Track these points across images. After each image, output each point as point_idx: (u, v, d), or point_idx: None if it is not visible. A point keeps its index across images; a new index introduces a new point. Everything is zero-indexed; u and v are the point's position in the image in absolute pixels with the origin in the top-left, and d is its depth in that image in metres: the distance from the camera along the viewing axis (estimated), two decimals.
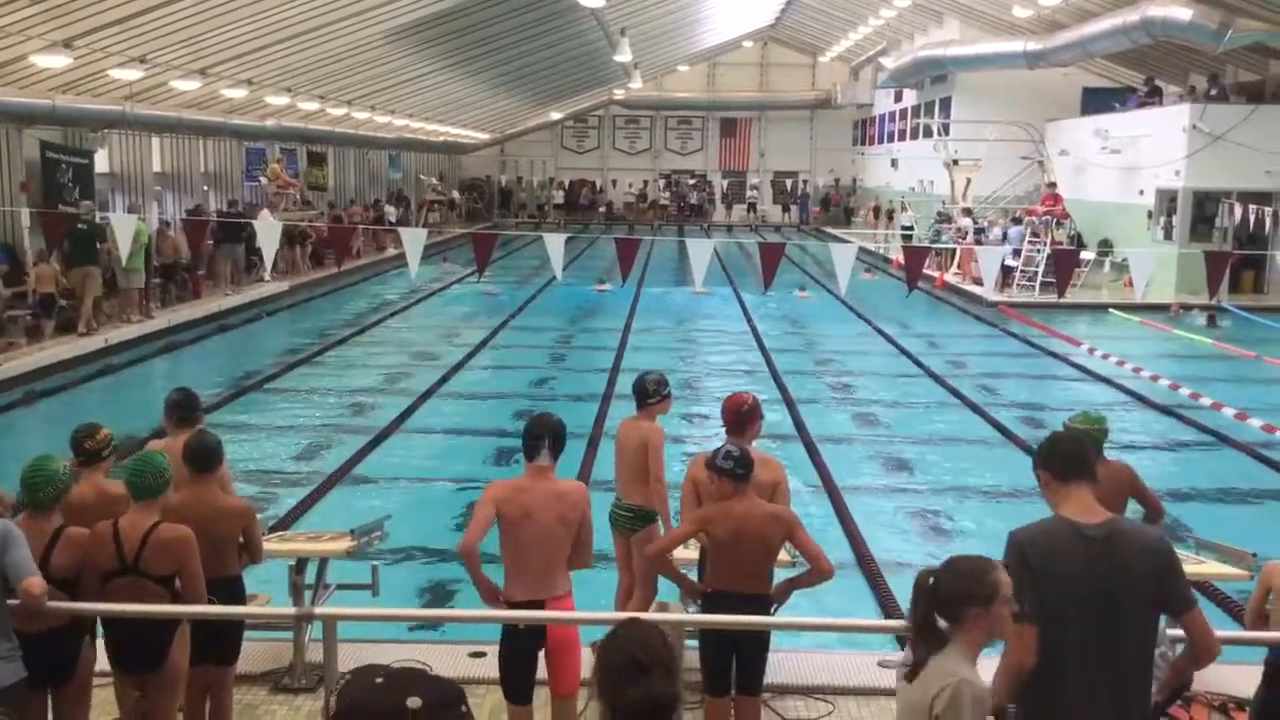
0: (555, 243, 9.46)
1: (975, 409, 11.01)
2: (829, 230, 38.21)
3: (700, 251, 9.67)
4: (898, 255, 24.19)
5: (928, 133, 29.52)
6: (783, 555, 4.33)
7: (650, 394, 5.22)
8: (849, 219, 40.88)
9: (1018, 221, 22.50)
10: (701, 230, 40.39)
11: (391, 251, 26.38)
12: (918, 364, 13.60)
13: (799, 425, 10.24)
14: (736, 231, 40.64)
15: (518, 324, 16.96)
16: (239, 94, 18.56)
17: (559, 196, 42.22)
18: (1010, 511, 7.82)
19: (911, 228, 27.87)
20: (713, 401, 11.00)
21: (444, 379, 12.25)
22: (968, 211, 23.83)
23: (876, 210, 31.13)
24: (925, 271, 20.14)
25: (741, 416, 4.65)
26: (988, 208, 25.28)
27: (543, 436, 3.99)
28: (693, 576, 4.35)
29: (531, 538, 3.85)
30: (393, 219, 28.21)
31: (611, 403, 10.72)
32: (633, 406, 5.33)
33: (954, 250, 22.60)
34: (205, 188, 21.51)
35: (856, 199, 41.56)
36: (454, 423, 10.49)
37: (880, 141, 38.46)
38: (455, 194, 39.68)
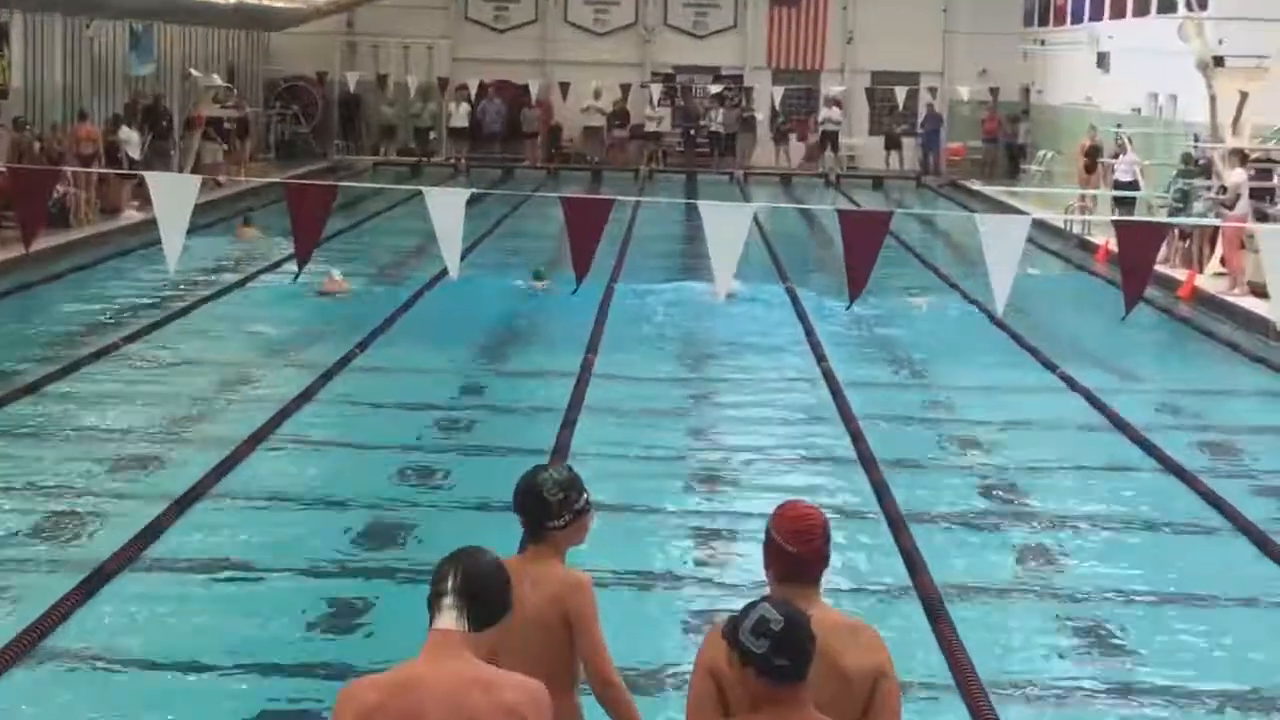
0: (447, 206, 9.65)
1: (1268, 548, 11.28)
2: (977, 188, 38.65)
3: (728, 224, 9.92)
4: (1107, 238, 24.48)
5: (1167, 4, 29.91)
6: None
7: (553, 509, 5.46)
8: (1015, 168, 41.39)
9: None
10: (732, 182, 40.69)
11: (135, 215, 26.48)
12: (1151, 453, 13.83)
13: (913, 567, 10.46)
14: (797, 187, 40.93)
15: (373, 360, 17.14)
16: None
17: (459, 115, 42.56)
18: None
19: (1135, 184, 28.27)
20: (745, 521, 11.25)
21: (220, 469, 12.44)
22: (1241, 157, 24.14)
23: (1090, 153, 31.07)
24: (1160, 269, 20.36)
25: (801, 551, 4.79)
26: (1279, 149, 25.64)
27: (446, 578, 4.14)
28: None
29: None
30: (134, 154, 28.35)
31: None
32: (509, 538, 5.70)
33: (1215, 231, 22.92)
34: None
35: (1029, 130, 42.12)
36: (234, 551, 10.72)
37: (1075, 20, 39.04)
38: (254, 108, 40.00)
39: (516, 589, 5.45)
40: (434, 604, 4.17)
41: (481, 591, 4.19)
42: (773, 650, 4.13)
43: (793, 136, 43.37)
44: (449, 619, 4.14)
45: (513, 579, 5.47)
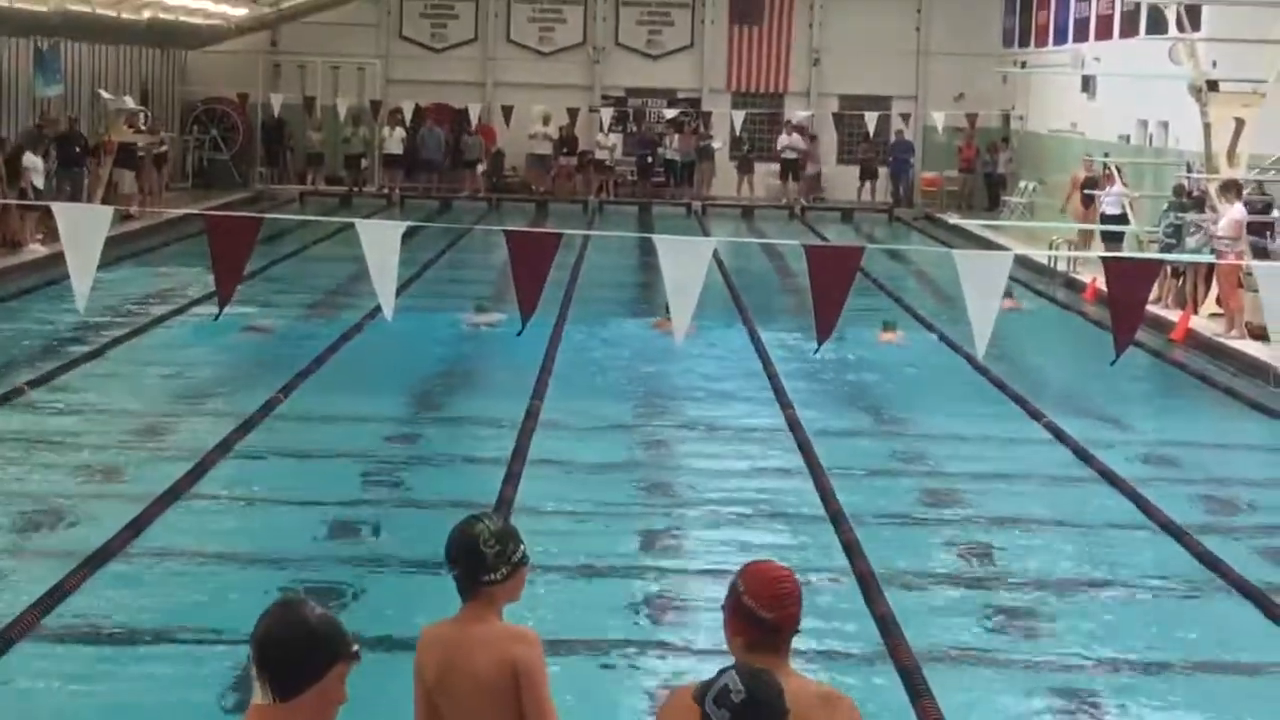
0: (381, 240, 9.66)
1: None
2: (954, 221, 38.92)
3: (686, 260, 9.89)
4: (1094, 275, 24.63)
5: (1157, 24, 30.21)
6: None
7: (489, 561, 5.49)
8: (996, 199, 41.68)
9: None
10: (689, 215, 40.80)
11: (39, 250, 26.41)
12: (1144, 509, 13.87)
13: (888, 632, 10.50)
14: (761, 219, 41.07)
15: (298, 406, 17.12)
16: None
17: (393, 141, 42.56)
18: None
19: (1123, 217, 28.48)
20: (705, 582, 11.28)
21: (131, 528, 12.36)
22: (1233, 190, 24.34)
23: (1087, 185, 30.76)
24: (1152, 309, 20.50)
25: (775, 618, 4.82)
26: (1277, 179, 25.87)
27: (255, 645, 4.12)
28: None
29: None
30: (39, 182, 28.24)
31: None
32: (446, 600, 5.68)
33: (1210, 268, 23.12)
34: None
35: (1010, 159, 42.39)
36: (147, 617, 10.71)
37: (1059, 40, 39.35)
38: (170, 133, 39.96)
39: (460, 656, 5.51)
40: (253, 676, 4.12)
41: (277, 659, 4.08)
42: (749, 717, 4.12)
43: (757, 165, 43.40)
44: (258, 694, 4.09)
45: (448, 645, 5.55)
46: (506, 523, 5.66)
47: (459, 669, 5.50)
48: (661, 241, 10.69)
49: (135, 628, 10.26)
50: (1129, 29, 33.32)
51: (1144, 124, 32.30)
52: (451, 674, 5.52)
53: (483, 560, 5.46)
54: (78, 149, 30.91)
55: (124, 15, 34.39)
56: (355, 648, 4.18)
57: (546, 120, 42.40)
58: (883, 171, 43.46)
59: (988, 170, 42.64)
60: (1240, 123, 25.43)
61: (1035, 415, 17.37)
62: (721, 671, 4.25)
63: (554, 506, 13.25)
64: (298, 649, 4.09)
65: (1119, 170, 29.89)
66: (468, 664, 5.48)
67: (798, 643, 5.00)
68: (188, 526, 12.60)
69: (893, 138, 43.41)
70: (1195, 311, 23.61)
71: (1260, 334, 20.35)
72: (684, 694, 4.56)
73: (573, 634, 10.05)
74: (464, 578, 5.51)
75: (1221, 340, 22.10)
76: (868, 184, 43.17)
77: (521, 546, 5.55)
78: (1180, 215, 24.71)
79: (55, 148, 30.23)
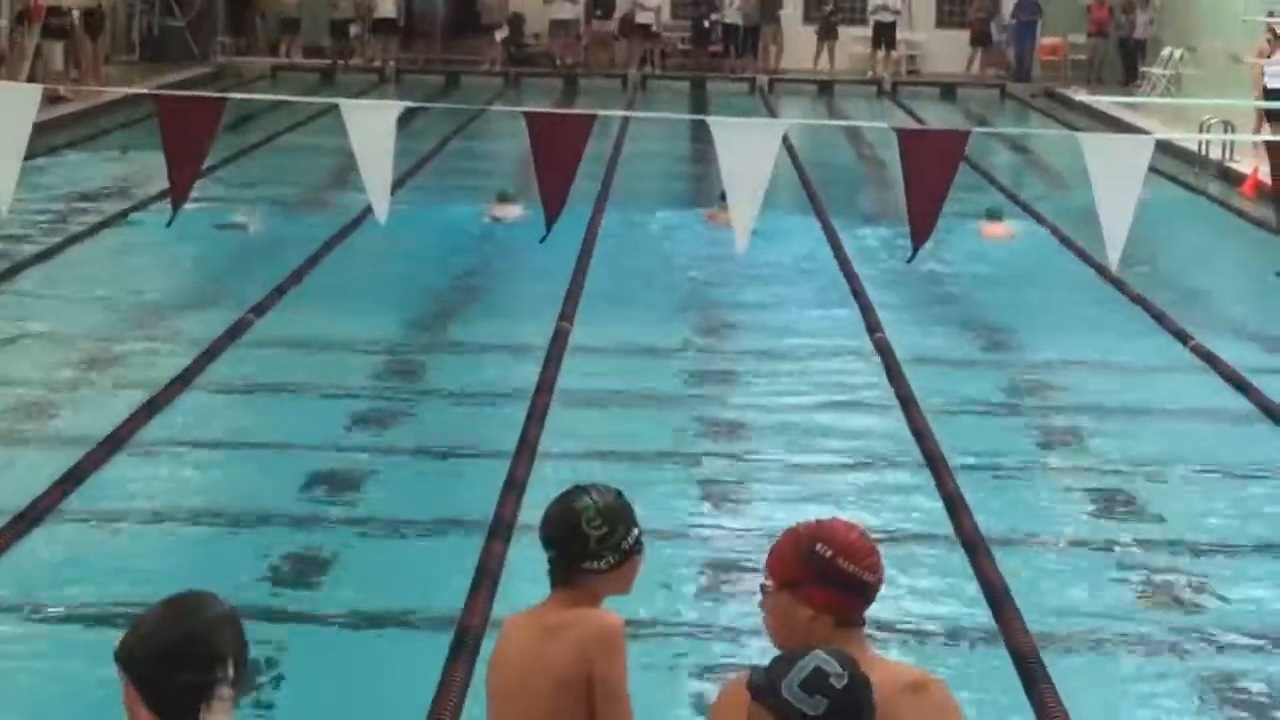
0: (372, 125, 9.65)
1: None
2: (1081, 98, 38.72)
3: (749, 149, 9.88)
4: (1256, 164, 24.51)
5: None
6: None
7: (590, 545, 5.51)
8: (1133, 71, 41.44)
9: None
10: (753, 92, 40.72)
11: None
12: None
13: (998, 607, 10.47)
14: (842, 96, 40.95)
15: (273, 329, 17.16)
16: None
17: (386, 3, 42.46)
18: None
19: None
20: (768, 544, 11.22)
21: (68, 479, 12.45)
22: None
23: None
24: None
25: (874, 576, 4.86)
26: None
27: (219, 658, 4.10)
28: None
29: None
30: None
31: (515, 542, 11.02)
32: (537, 580, 5.69)
33: None
34: None
35: (1151, 20, 42.03)
36: (86, 582, 10.74)
37: None
38: None
39: (536, 654, 5.55)
40: (194, 698, 4.02)
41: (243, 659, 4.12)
42: (831, 713, 4.07)
43: (838, 30, 43.26)
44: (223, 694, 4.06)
45: (525, 643, 5.59)
46: (619, 498, 5.63)
47: (533, 667, 5.57)
48: (718, 125, 10.65)
49: (71, 602, 10.31)
50: None
51: None
52: (525, 671, 5.59)
53: (584, 543, 5.50)
54: None
55: None
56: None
57: None
58: (993, 36, 43.34)
59: (1123, 35, 42.44)
60: None
61: (1180, 336, 17.34)
62: (792, 656, 4.22)
63: (585, 450, 13.29)
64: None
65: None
66: (542, 660, 5.55)
67: (892, 617, 5.00)
68: (135, 478, 12.63)
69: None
70: None
71: None
72: (739, 684, 4.55)
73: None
74: (559, 562, 5.56)
75: None
76: (979, 53, 42.99)
77: (635, 530, 5.60)
78: None
79: None
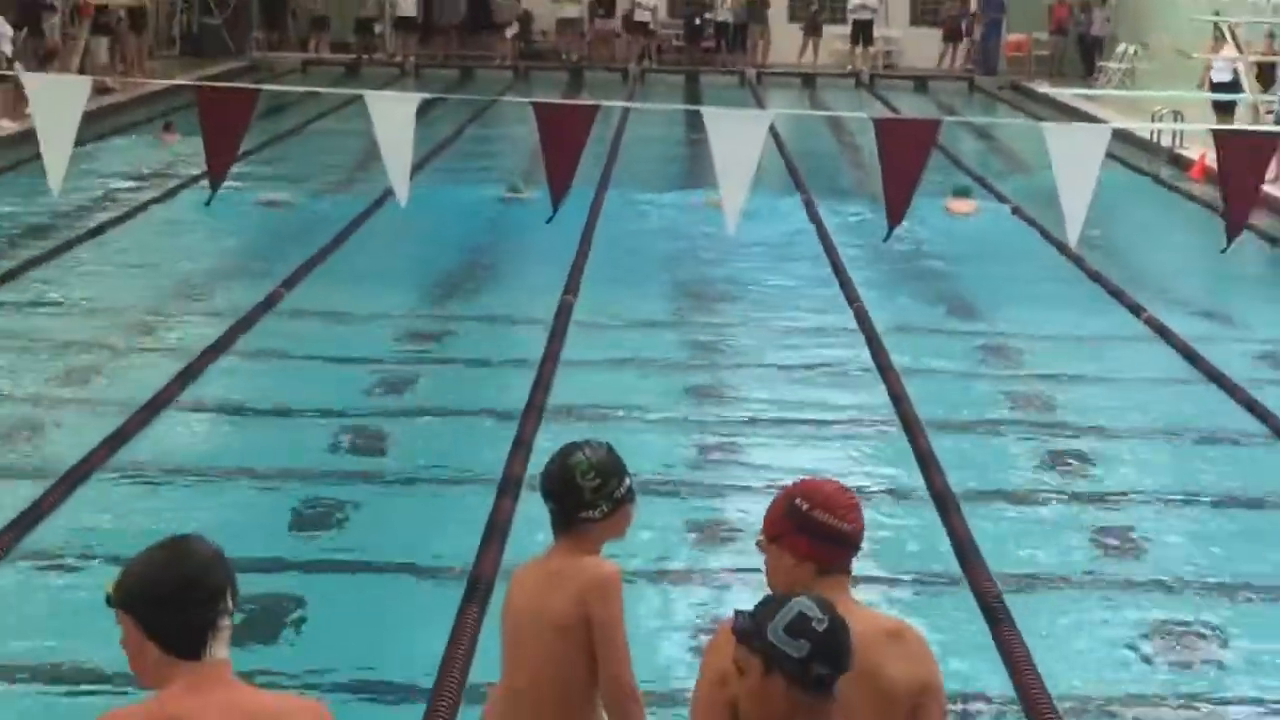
0: (394, 115, 9.61)
1: None
2: (1044, 91, 38.59)
3: (740, 137, 9.83)
4: (1204, 151, 24.43)
5: None
6: None
7: (585, 496, 5.57)
8: (1091, 65, 41.37)
9: None
10: (743, 84, 40.62)
11: (7, 126, 26.49)
12: (1259, 415, 13.81)
13: (965, 557, 10.48)
14: (825, 89, 40.86)
15: (301, 301, 17.12)
16: None
17: (406, 2, 42.37)
18: None
19: (1235, 84, 28.22)
20: (760, 499, 11.15)
21: (113, 440, 12.44)
22: None
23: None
24: (1269, 188, 20.28)
25: (851, 524, 4.84)
26: None
27: (218, 593, 4.11)
28: None
29: None
30: (6, 49, 28.25)
31: (523, 497, 11.01)
32: (545, 530, 5.71)
33: None
34: None
35: (1108, 18, 41.93)
36: (124, 541, 10.65)
37: None
38: None
39: (540, 598, 5.62)
40: (202, 633, 4.07)
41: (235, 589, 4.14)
42: (814, 655, 4.08)
43: (824, 28, 43.11)
44: (223, 647, 4.10)
45: (531, 587, 5.68)
46: (610, 452, 5.66)
47: (538, 612, 5.61)
48: (711, 115, 10.62)
49: (115, 553, 10.28)
50: None
51: None
52: (531, 617, 5.64)
53: (580, 495, 5.55)
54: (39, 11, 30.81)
55: None
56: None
57: None
58: (964, 33, 43.24)
59: (1082, 32, 42.37)
60: None
61: (1135, 309, 17.32)
62: (775, 600, 4.21)
63: (587, 413, 13.25)
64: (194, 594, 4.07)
65: (1231, 31, 29.62)
66: (546, 606, 5.59)
67: (864, 568, 4.98)
68: (175, 441, 12.69)
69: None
70: None
71: None
72: (725, 632, 4.53)
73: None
74: (558, 513, 5.61)
75: None
76: (950, 48, 42.88)
77: (626, 480, 5.63)
78: None
79: (18, 10, 30.18)
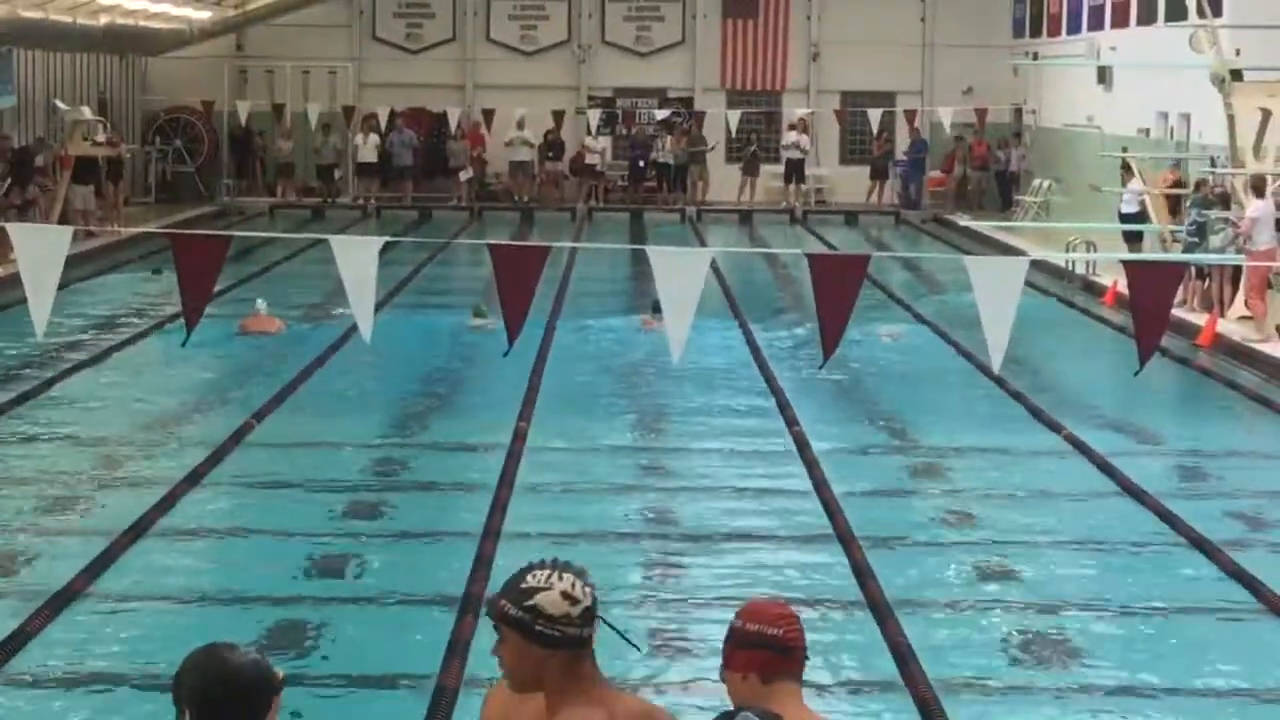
0: (357, 255, 9.62)
1: None
2: (965, 223, 38.86)
3: (682, 274, 9.85)
4: (1115, 279, 24.61)
5: (1176, 11, 30.17)
6: None
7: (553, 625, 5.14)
8: (1008, 199, 41.68)
9: None
10: (684, 221, 40.79)
11: None
12: (1171, 524, 13.86)
13: (903, 661, 10.48)
14: (761, 224, 41.03)
15: (270, 433, 17.08)
16: None
17: (367, 149, 42.46)
18: None
19: (1141, 215, 28.46)
20: (707, 614, 11.28)
21: (95, 566, 12.40)
22: (1261, 184, 24.31)
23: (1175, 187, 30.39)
24: (1177, 313, 20.43)
25: (779, 629, 4.84)
26: None
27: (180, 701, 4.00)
28: None
29: None
30: None
31: (482, 615, 10.89)
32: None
33: (1237, 269, 23.07)
34: None
35: (1023, 155, 42.33)
36: (107, 660, 10.68)
37: (1072, 30, 39.36)
38: (131, 145, 39.93)
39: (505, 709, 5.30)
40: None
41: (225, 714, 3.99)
42: None
43: (760, 167, 42.99)
44: None
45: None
46: (571, 572, 5.19)
47: None
48: (656, 254, 10.68)
49: (100, 671, 10.22)
50: (1147, 16, 33.39)
51: (1164, 116, 32.27)
52: None
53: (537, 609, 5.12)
54: (31, 165, 30.81)
55: (80, 21, 34.26)
56: (281, 675, 4.07)
57: (521, 125, 42.00)
58: (891, 172, 43.47)
59: (999, 168, 42.62)
60: (1266, 114, 25.43)
61: (1054, 427, 17.34)
62: (728, 715, 4.20)
63: (543, 533, 13.22)
64: (241, 702, 3.98)
65: (1136, 166, 29.87)
66: None
67: (810, 675, 4.97)
68: (151, 566, 12.58)
69: (903, 136, 43.39)
70: (1222, 315, 23.51)
71: None
72: None
73: None
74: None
75: (1251, 345, 22.00)
76: (877, 185, 43.13)
77: (584, 602, 5.17)
78: (1204, 213, 24.62)
79: (8, 164, 30.14)
